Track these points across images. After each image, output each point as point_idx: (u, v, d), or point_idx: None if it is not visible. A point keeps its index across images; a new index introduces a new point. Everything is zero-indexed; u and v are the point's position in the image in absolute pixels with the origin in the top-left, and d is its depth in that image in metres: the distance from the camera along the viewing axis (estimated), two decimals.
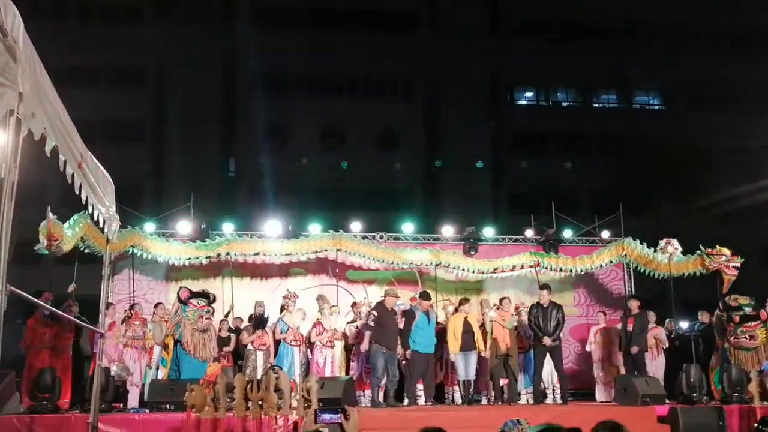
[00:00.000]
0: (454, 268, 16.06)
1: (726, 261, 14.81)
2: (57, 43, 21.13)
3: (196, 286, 14.41)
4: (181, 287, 12.87)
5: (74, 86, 22.55)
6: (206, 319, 12.33)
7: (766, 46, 32.08)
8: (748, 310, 13.15)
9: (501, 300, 14.01)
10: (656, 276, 15.91)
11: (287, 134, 31.88)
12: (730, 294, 13.64)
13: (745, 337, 13.11)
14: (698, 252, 15.23)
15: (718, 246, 15.06)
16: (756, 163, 25.86)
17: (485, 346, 13.08)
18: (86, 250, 14.33)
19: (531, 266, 15.97)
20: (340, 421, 4.17)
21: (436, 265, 15.97)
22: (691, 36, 34.42)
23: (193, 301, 12.27)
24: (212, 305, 12.68)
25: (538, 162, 32.29)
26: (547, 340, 12.97)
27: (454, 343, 12.87)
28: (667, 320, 15.55)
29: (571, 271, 16.17)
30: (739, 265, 14.84)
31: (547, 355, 13.35)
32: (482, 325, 13.29)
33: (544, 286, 13.85)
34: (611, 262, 16.28)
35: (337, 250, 15.82)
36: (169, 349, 12.69)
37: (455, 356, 12.95)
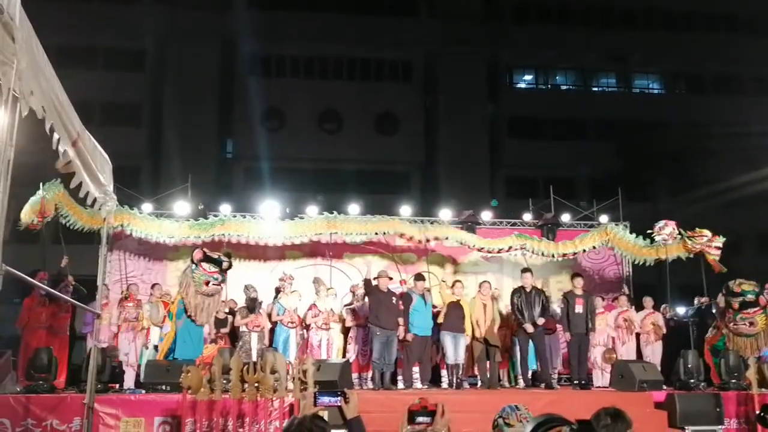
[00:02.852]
0: (446, 238, 15.87)
1: (707, 242, 14.74)
2: (55, 23, 20.96)
3: None
4: (197, 248, 12.61)
5: (72, 67, 22.47)
6: (214, 284, 12.19)
7: (766, 30, 32.05)
8: (750, 296, 13.07)
9: (480, 284, 13.94)
10: (642, 263, 15.85)
11: (285, 116, 31.80)
12: (735, 278, 13.53)
13: (745, 324, 13.07)
14: (679, 235, 15.12)
15: (697, 228, 14.98)
16: (756, 148, 25.83)
17: (472, 331, 13.14)
18: (63, 221, 14.12)
19: (518, 248, 15.83)
20: (339, 403, 4.13)
21: (427, 240, 15.76)
22: (691, 20, 34.38)
23: (204, 264, 12.11)
24: (223, 273, 12.43)
25: (536, 146, 32.14)
26: (528, 327, 12.93)
27: (442, 318, 12.98)
28: (663, 306, 15.53)
29: (553, 255, 16.01)
30: (720, 244, 14.76)
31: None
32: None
33: (525, 270, 13.77)
34: (595, 247, 16.17)
35: (332, 233, 15.64)
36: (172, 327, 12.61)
37: (443, 336, 12.95)
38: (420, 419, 4.17)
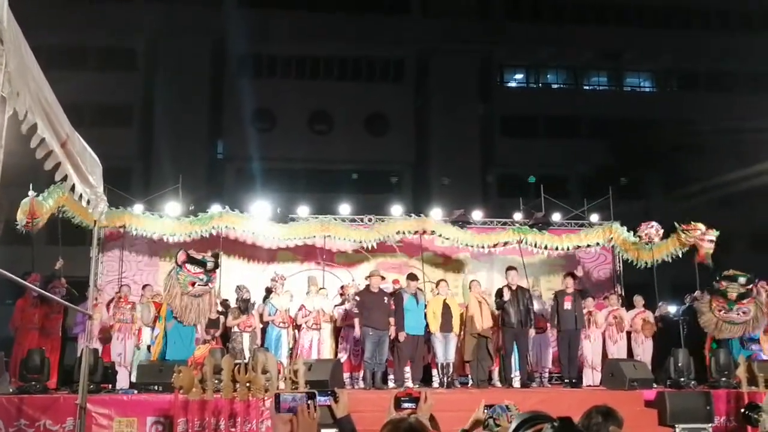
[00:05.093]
0: (440, 236, 15.84)
1: (701, 234, 14.79)
2: (45, 23, 20.91)
3: None
4: (180, 250, 12.55)
5: (63, 68, 22.43)
6: (200, 285, 12.07)
7: (758, 27, 32.10)
8: (742, 280, 13.16)
9: (471, 282, 13.95)
10: (638, 265, 15.89)
11: (276, 117, 31.77)
12: (728, 268, 13.61)
13: (738, 314, 13.13)
14: (673, 231, 15.19)
15: (692, 222, 15.05)
16: (748, 146, 25.89)
17: (460, 329, 13.17)
18: (64, 214, 14.06)
19: (515, 243, 15.82)
20: (329, 403, 4.16)
21: (423, 233, 15.71)
22: (682, 18, 34.40)
23: (188, 266, 12.06)
24: (210, 273, 12.26)
25: (527, 144, 32.12)
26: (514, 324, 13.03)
27: (434, 324, 12.91)
28: (660, 304, 15.55)
29: (557, 248, 16.04)
30: (714, 238, 14.80)
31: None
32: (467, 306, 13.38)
33: (509, 267, 13.82)
34: (597, 243, 16.22)
35: (326, 236, 15.58)
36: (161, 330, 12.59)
37: (434, 338, 12.98)
38: (405, 405, 4.33)
